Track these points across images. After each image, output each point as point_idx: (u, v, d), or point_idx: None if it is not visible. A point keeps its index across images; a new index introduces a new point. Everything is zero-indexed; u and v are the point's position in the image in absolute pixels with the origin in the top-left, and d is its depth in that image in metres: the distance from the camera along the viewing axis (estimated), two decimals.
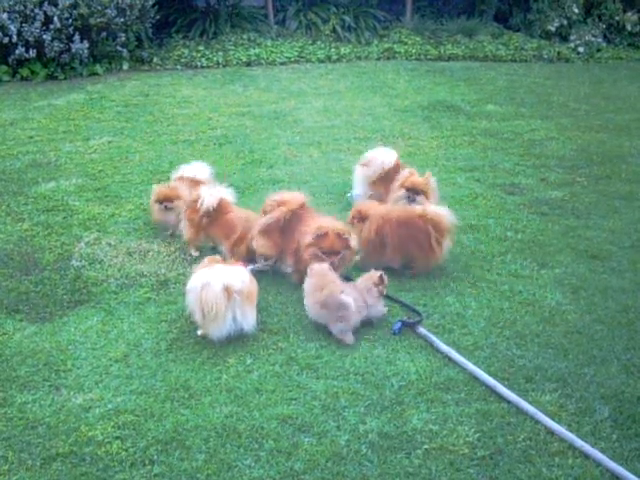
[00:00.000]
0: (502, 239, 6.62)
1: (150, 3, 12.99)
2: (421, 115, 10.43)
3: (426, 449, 4.08)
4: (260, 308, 5.52)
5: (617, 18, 14.78)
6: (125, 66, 13.12)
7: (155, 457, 4.08)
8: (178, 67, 13.43)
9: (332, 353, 4.99)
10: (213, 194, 6.13)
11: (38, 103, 10.85)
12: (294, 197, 5.99)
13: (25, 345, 5.11)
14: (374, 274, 5.33)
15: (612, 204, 7.43)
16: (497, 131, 9.73)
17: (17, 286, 5.85)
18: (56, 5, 11.92)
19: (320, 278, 5.28)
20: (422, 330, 5.14)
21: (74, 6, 12.05)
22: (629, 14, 14.73)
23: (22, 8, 11.70)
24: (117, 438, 4.22)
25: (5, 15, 11.55)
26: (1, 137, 9.35)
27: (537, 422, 4.25)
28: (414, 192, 6.31)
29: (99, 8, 12.19)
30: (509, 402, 4.43)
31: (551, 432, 4.18)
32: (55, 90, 11.62)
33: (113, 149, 8.99)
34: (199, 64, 13.57)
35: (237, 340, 5.14)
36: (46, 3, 11.88)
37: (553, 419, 4.28)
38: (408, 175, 6.45)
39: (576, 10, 14.54)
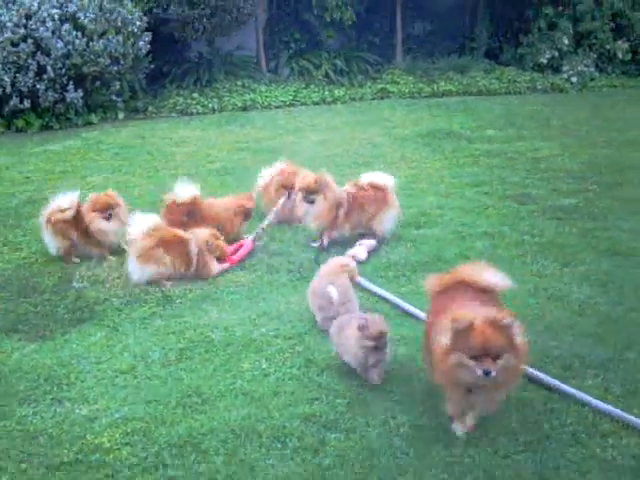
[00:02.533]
0: (519, 243, 6.38)
1: (143, 52, 13.02)
2: (421, 142, 10.33)
3: (465, 439, 3.72)
4: (273, 316, 5.25)
5: (608, 47, 14.90)
6: (120, 115, 13.06)
7: (169, 461, 3.72)
8: (173, 114, 13.41)
9: None
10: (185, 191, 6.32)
11: (34, 149, 10.71)
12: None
13: (25, 362, 4.78)
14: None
15: (628, 207, 7.22)
16: (500, 152, 9.60)
17: (15, 308, 5.55)
18: (49, 55, 11.91)
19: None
20: None
21: (67, 56, 12.04)
22: (619, 42, 14.86)
23: (15, 59, 11.67)
24: (126, 444, 3.87)
25: None
26: None
27: (583, 405, 3.91)
28: (309, 192, 6.35)
29: (92, 57, 12.18)
30: (550, 389, 4.09)
31: (599, 413, 3.83)
32: (50, 138, 11.50)
33: (111, 184, 8.71)
34: (194, 111, 13.54)
35: (249, 346, 4.83)
36: (39, 53, 11.85)
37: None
38: (301, 178, 6.51)
39: (566, 41, 14.67)
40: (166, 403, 4.23)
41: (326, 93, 14.56)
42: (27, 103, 11.93)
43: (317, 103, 14.07)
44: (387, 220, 6.50)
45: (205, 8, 13.39)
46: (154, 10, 13.42)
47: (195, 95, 13.97)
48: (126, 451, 3.80)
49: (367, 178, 6.55)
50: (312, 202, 6.35)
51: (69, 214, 6.28)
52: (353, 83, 15.07)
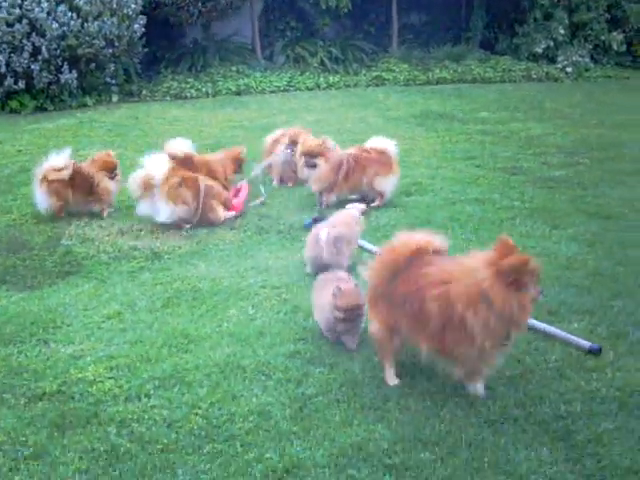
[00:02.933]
0: (509, 208, 6.41)
1: (138, 35, 13.00)
2: (414, 122, 10.36)
3: (446, 373, 3.72)
4: (261, 269, 5.26)
5: (603, 38, 14.95)
6: (114, 98, 13.03)
7: (152, 392, 3.72)
8: (167, 98, 13.39)
9: None
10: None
11: (27, 127, 10.69)
12: None
13: (11, 309, 4.77)
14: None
15: (619, 178, 7.25)
16: (493, 131, 9.63)
17: (3, 262, 5.54)
18: (44, 36, 11.87)
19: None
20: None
21: (62, 37, 12.01)
22: (614, 34, 14.91)
23: (10, 39, 11.64)
24: (110, 378, 3.87)
25: None
26: None
27: (568, 345, 3.91)
28: (311, 156, 6.56)
29: (87, 39, 12.15)
30: (535, 330, 4.10)
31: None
32: (44, 118, 11.48)
33: None
34: (188, 95, 13.52)
35: (236, 295, 4.83)
36: (34, 34, 11.82)
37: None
38: (303, 141, 6.81)
39: (562, 31, 14.71)
40: (151, 344, 4.23)
41: (321, 79, 14.56)
42: (22, 84, 11.87)
43: (311, 89, 14.08)
44: (388, 182, 6.61)
45: None
46: None
47: (189, 80, 13.95)
48: (109, 383, 3.79)
49: (371, 142, 6.76)
50: (314, 166, 6.53)
51: (66, 173, 6.31)
52: (348, 71, 15.07)
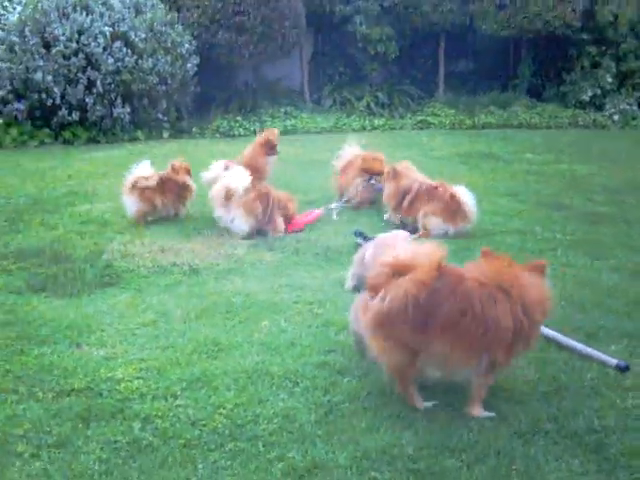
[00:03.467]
0: (551, 240, 6.31)
1: (191, 74, 13.39)
2: (458, 161, 10.35)
3: None
4: (295, 286, 5.26)
5: None
6: (165, 134, 13.35)
7: (179, 393, 3.72)
8: (217, 135, 13.66)
9: None
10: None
11: (79, 156, 11.01)
12: None
13: (49, 314, 4.85)
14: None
15: None
16: (538, 171, 9.55)
17: (45, 272, 5.65)
18: (99, 70, 12.29)
19: None
20: None
21: (116, 72, 12.41)
22: None
23: (66, 72, 12.08)
24: (139, 378, 3.88)
25: (50, 78, 11.91)
26: (40, 178, 9.38)
27: (605, 365, 3.79)
28: (369, 174, 7.36)
29: (141, 75, 12.55)
30: (572, 350, 3.99)
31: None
32: (96, 149, 11.82)
33: None
34: (237, 133, 13.79)
35: (269, 308, 4.83)
36: (89, 68, 12.25)
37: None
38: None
39: (609, 80, 14.63)
40: (182, 350, 4.25)
41: (366, 122, 14.72)
42: (75, 116, 12.25)
43: (357, 130, 14.21)
44: (439, 226, 6.60)
45: (252, 34, 13.77)
46: (203, 35, 13.82)
47: (238, 119, 14.25)
48: (138, 383, 3.81)
49: (453, 186, 6.73)
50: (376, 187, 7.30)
51: (154, 180, 7.04)
52: (394, 115, 15.22)
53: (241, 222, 6.51)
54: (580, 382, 3.65)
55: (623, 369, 3.77)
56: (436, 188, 6.72)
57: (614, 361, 3.83)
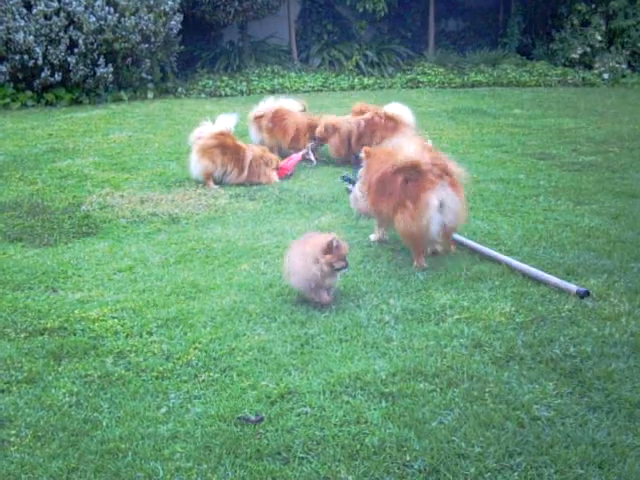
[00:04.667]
0: (534, 187, 6.26)
1: (174, 32, 13.16)
2: (445, 116, 10.25)
3: (457, 318, 3.62)
4: (277, 232, 5.21)
5: None
6: (150, 95, 13.17)
7: (154, 330, 3.68)
8: (202, 95, 13.49)
9: (352, 259, 4.55)
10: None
11: (61, 116, 10.85)
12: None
13: (25, 262, 4.79)
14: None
15: None
16: (524, 125, 9.47)
17: (22, 223, 5.59)
18: (81, 29, 12.09)
19: None
20: None
21: (99, 31, 12.21)
22: None
23: (48, 31, 11.86)
24: (114, 318, 3.84)
25: (31, 38, 11.69)
26: (21, 137, 9.26)
27: (583, 297, 3.77)
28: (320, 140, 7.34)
29: (123, 33, 12.33)
30: (534, 279, 3.99)
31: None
32: (79, 109, 11.65)
33: (133, 140, 8.89)
34: (223, 93, 13.63)
35: (249, 253, 4.79)
36: (71, 27, 12.03)
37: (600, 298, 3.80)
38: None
39: (599, 38, 14.49)
40: (160, 292, 4.21)
41: (355, 81, 14.58)
42: (58, 77, 12.06)
43: (346, 89, 14.07)
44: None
45: None
46: None
47: (225, 78, 14.08)
48: (112, 322, 3.77)
49: (386, 107, 7.24)
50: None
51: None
52: (383, 74, 15.06)
53: (193, 165, 6.61)
54: (557, 313, 3.63)
55: (583, 295, 3.80)
56: (372, 119, 7.09)
57: (574, 287, 3.86)
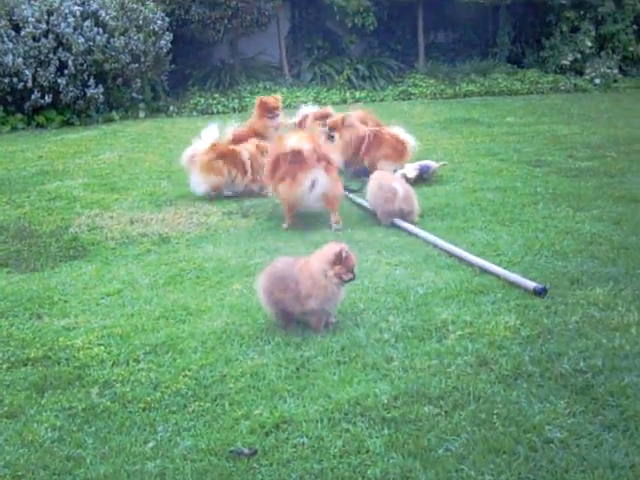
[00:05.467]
0: (532, 194, 6.11)
1: (164, 51, 13.06)
2: (438, 127, 10.13)
3: (460, 335, 3.46)
4: (270, 250, 5.06)
5: (631, 49, 14.60)
6: (141, 114, 13.05)
7: (142, 357, 3.51)
8: (194, 113, 13.38)
9: None
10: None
11: (51, 138, 10.72)
12: None
13: (9, 288, 4.63)
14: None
15: None
16: (518, 132, 9.35)
17: (8, 248, 5.42)
18: (70, 50, 11.99)
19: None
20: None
21: (88, 52, 12.10)
22: None
23: (37, 53, 11.76)
24: (100, 345, 3.68)
25: (20, 60, 11.58)
26: (10, 160, 9.11)
27: (591, 304, 3.61)
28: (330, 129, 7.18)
29: (113, 54, 12.24)
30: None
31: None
32: (70, 131, 11.52)
33: (123, 160, 8.75)
34: (215, 110, 13.51)
35: (242, 272, 4.63)
36: (60, 49, 11.94)
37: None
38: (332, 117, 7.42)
39: (589, 44, 14.40)
40: (148, 316, 4.04)
41: (347, 95, 14.48)
42: (48, 98, 11.93)
43: (338, 103, 13.94)
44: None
45: (226, 9, 13.45)
46: (176, 11, 13.49)
47: (216, 96, 13.96)
48: (98, 349, 3.60)
49: (394, 130, 7.17)
50: (332, 138, 7.01)
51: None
52: (375, 87, 14.96)
53: (198, 182, 6.54)
54: (564, 325, 3.47)
55: (540, 292, 3.80)
56: (381, 132, 7.11)
57: (532, 285, 3.87)
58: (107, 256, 5.21)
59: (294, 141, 5.44)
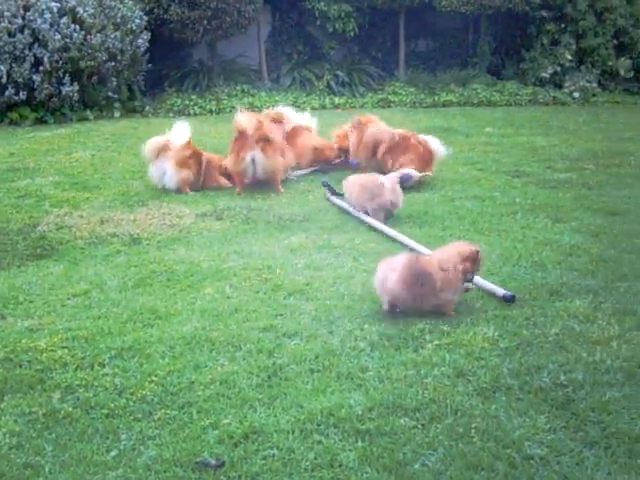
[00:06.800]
0: (510, 204, 6.07)
1: (142, 50, 12.86)
2: None
3: (437, 344, 3.37)
4: (244, 254, 4.93)
5: (610, 64, 14.70)
6: (117, 114, 12.82)
7: (107, 361, 3.37)
8: (170, 114, 13.17)
9: (324, 281, 4.32)
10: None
11: (24, 136, 10.48)
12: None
13: None
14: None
15: (624, 181, 6.91)
16: (497, 143, 9.33)
17: None
18: (46, 47, 11.75)
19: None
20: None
21: (64, 49, 11.86)
22: (622, 60, 14.69)
23: (12, 49, 11.50)
24: (64, 348, 3.53)
25: None
26: None
27: (571, 317, 3.54)
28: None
29: (89, 51, 12.01)
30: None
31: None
32: (43, 129, 11.27)
33: (96, 159, 8.56)
34: (192, 112, 13.32)
35: (214, 275, 4.50)
36: (36, 45, 11.70)
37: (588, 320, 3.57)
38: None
39: (569, 57, 14.47)
40: (115, 319, 3.90)
41: (327, 101, 14.38)
42: (22, 95, 11.66)
43: (317, 109, 13.86)
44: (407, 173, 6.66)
45: (206, 10, 13.30)
46: (155, 10, 13.31)
47: (193, 97, 13.79)
48: (62, 352, 3.46)
49: (425, 136, 7.20)
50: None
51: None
52: (354, 94, 14.88)
53: (172, 175, 6.64)
54: (543, 337, 3.40)
55: (509, 300, 3.81)
56: (409, 138, 7.08)
57: (501, 292, 3.88)
58: (75, 256, 5.05)
59: (243, 121, 6.40)
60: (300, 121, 7.89)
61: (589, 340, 3.34)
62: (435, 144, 7.01)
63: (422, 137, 7.12)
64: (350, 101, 14.43)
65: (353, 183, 5.83)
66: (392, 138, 7.06)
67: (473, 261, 3.74)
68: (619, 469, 2.41)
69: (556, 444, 2.54)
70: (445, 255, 3.81)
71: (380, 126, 7.29)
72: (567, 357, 3.18)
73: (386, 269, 3.77)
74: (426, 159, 6.89)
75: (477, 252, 3.77)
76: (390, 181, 5.67)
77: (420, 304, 3.71)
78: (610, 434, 2.59)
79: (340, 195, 6.23)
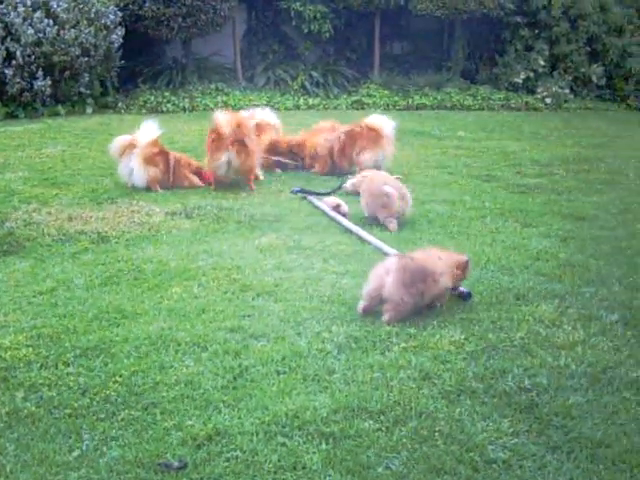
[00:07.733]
0: (480, 208, 6.12)
1: (115, 46, 12.75)
2: None
3: (404, 347, 3.38)
4: (213, 253, 4.91)
5: (583, 70, 14.90)
6: (89, 110, 12.70)
7: (72, 360, 3.33)
8: (143, 111, 13.06)
9: (293, 283, 4.31)
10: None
11: None
12: None
13: None
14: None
15: (593, 187, 7.01)
16: (469, 147, 9.40)
17: None
18: (19, 41, 11.60)
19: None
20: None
21: (37, 43, 11.73)
22: (594, 66, 14.90)
23: None
24: (28, 346, 3.48)
25: None
26: None
27: (537, 321, 3.58)
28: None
29: (63, 46, 11.88)
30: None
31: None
32: (14, 124, 11.11)
33: (66, 155, 8.47)
34: (165, 109, 13.24)
35: (182, 275, 4.47)
36: (9, 39, 11.55)
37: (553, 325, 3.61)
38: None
39: (542, 63, 14.65)
40: (81, 317, 3.85)
41: (301, 101, 14.38)
42: None
43: (290, 109, 13.86)
44: (371, 157, 7.00)
45: (181, 7, 13.22)
46: (130, 6, 13.19)
47: (167, 94, 13.70)
48: (26, 351, 3.41)
49: (367, 119, 7.36)
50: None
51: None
52: (329, 95, 14.91)
53: (139, 172, 6.65)
54: (509, 341, 3.43)
55: (466, 297, 3.92)
56: (352, 130, 7.32)
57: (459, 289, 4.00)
58: (42, 253, 4.98)
59: (222, 121, 6.49)
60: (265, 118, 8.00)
61: (554, 345, 3.37)
62: (377, 120, 7.23)
63: (365, 121, 7.33)
64: (324, 102, 14.45)
65: (365, 190, 5.80)
66: (338, 139, 7.34)
67: (464, 270, 3.88)
68: (581, 474, 2.44)
69: (519, 448, 2.56)
70: (445, 254, 3.94)
71: (327, 135, 7.56)
72: (532, 361, 3.21)
73: (381, 274, 3.74)
74: (376, 139, 7.09)
75: (469, 262, 3.92)
76: (395, 187, 5.58)
77: (421, 301, 3.71)
78: (573, 439, 2.62)
79: (318, 193, 6.38)
